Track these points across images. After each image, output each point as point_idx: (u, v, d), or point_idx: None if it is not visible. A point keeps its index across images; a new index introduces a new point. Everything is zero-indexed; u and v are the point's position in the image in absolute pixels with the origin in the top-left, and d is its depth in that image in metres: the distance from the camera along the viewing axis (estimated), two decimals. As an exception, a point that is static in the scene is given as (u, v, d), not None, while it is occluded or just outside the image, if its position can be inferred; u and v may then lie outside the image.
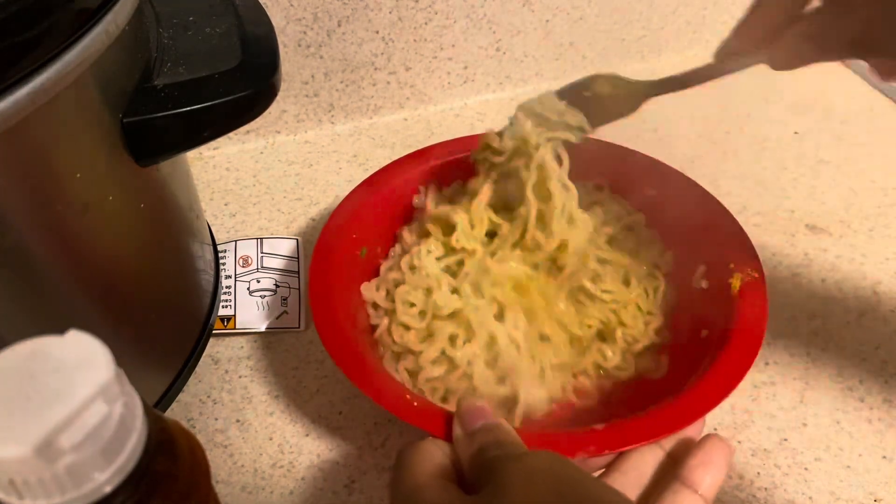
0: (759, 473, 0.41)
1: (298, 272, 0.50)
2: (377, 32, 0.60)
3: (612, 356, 0.43)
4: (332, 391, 0.44)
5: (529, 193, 0.41)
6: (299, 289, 0.49)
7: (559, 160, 0.42)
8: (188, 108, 0.32)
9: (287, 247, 0.51)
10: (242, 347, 0.47)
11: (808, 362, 0.46)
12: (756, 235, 0.44)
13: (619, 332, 0.43)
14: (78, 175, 0.29)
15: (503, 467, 0.29)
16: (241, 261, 0.50)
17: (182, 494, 0.22)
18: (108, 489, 0.20)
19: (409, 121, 0.66)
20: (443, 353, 0.40)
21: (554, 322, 0.42)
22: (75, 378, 0.19)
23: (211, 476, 0.26)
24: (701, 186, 0.46)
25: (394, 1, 0.59)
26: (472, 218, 0.43)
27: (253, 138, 0.62)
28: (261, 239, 0.51)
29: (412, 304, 0.42)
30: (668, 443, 0.35)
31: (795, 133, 0.65)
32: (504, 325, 0.41)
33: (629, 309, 0.44)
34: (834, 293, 0.51)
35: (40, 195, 0.28)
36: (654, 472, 0.34)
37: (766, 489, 0.40)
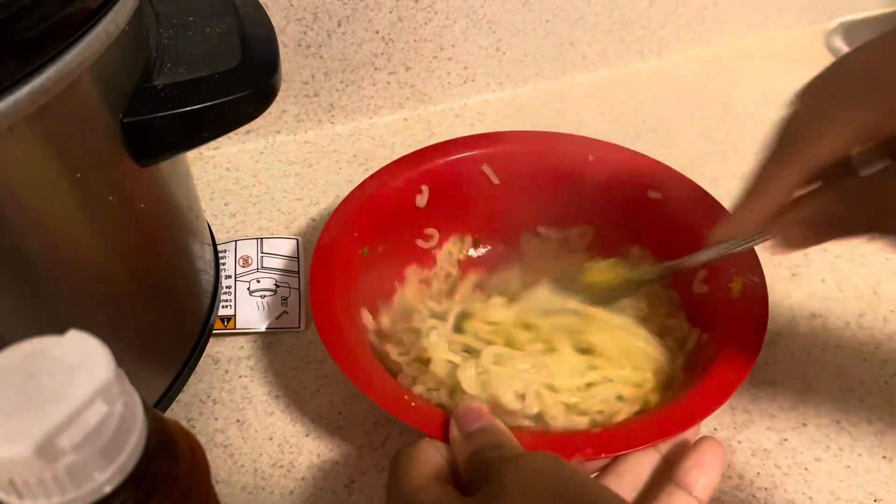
0: (759, 473, 0.41)
1: (298, 272, 0.50)
2: (377, 32, 0.60)
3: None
4: (332, 391, 0.44)
5: None
6: (299, 289, 0.49)
7: None
8: (188, 108, 0.32)
9: (287, 247, 0.51)
10: (242, 347, 0.47)
11: (808, 362, 0.46)
12: (756, 236, 0.44)
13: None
14: (78, 175, 0.29)
15: (500, 468, 0.29)
16: (241, 261, 0.50)
17: (182, 494, 0.22)
18: (108, 489, 0.20)
19: (409, 121, 0.65)
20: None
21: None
22: (75, 378, 0.19)
23: (211, 476, 0.26)
24: (701, 187, 0.46)
25: (394, 1, 0.59)
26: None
27: (253, 138, 0.62)
28: (261, 239, 0.51)
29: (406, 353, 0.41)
30: (664, 445, 0.35)
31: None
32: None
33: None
34: (834, 293, 0.51)
35: (40, 195, 0.28)
36: (649, 475, 0.35)
37: (766, 489, 0.40)
